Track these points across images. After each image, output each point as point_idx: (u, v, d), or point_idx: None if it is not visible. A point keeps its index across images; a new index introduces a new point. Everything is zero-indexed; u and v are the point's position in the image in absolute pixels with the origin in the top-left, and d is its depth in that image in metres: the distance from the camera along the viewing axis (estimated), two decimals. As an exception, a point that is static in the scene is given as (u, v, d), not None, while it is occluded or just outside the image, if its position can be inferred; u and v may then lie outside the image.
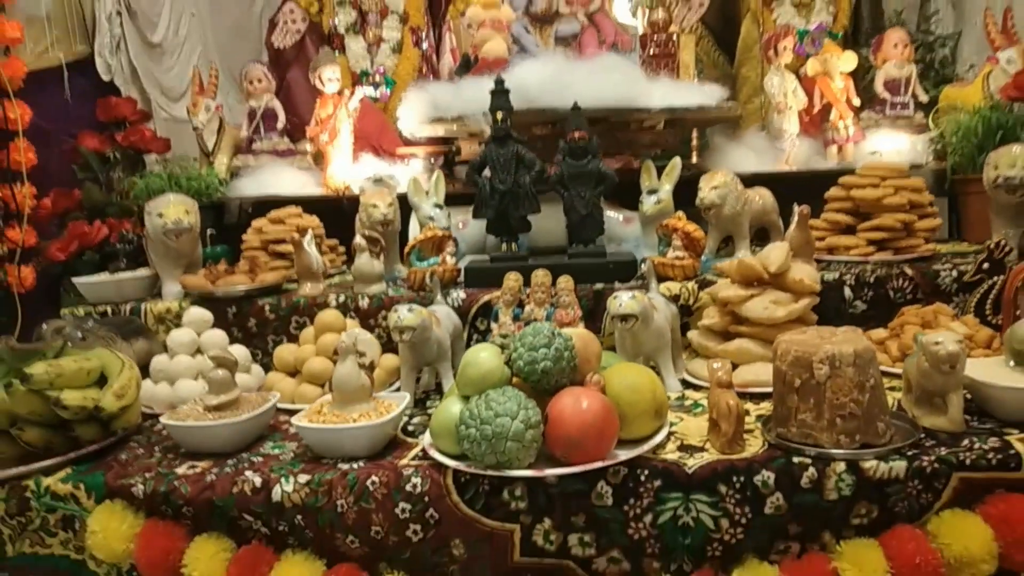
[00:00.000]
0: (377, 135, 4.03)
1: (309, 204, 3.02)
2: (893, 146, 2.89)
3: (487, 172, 2.49)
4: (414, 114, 2.94)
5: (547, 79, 2.53)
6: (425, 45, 4.65)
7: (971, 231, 2.87)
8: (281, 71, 4.92)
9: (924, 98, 3.33)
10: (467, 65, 3.16)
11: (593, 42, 3.22)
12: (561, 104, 2.50)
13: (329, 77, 3.22)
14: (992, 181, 2.29)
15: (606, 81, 2.65)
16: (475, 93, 2.72)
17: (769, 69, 3.03)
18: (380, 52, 4.53)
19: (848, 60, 3.12)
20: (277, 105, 3.58)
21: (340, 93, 3.25)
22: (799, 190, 2.86)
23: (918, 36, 4.33)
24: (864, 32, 4.51)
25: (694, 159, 3.31)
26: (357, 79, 4.53)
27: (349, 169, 3.23)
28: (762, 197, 2.61)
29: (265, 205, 3.07)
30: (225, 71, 4.69)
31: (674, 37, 4.54)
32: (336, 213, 3.06)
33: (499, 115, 2.44)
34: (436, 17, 4.89)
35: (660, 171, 2.65)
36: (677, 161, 2.61)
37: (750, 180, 2.72)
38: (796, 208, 2.30)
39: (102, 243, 3.13)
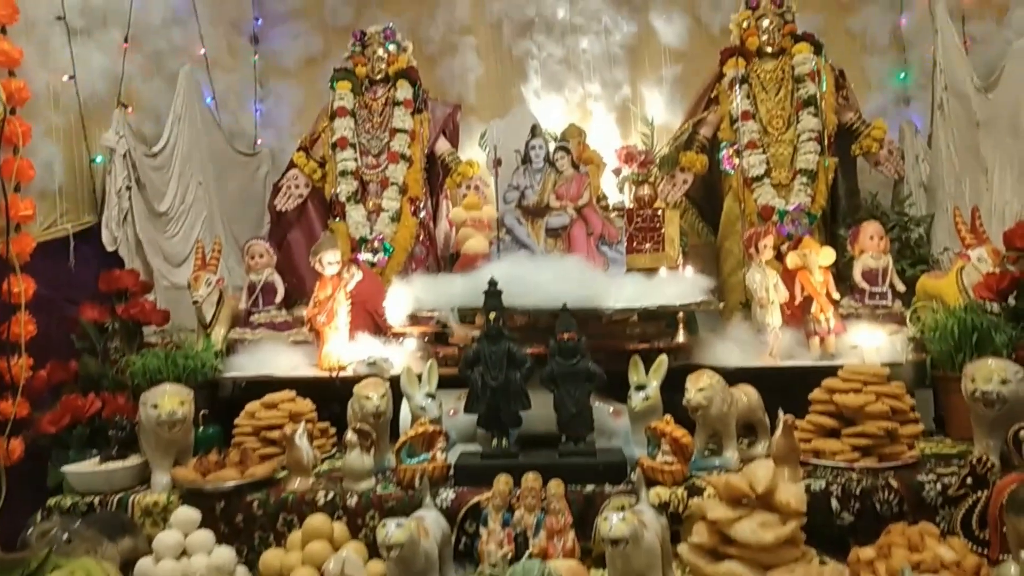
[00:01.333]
0: (374, 300, 4.12)
1: (303, 386, 3.06)
2: (873, 342, 2.98)
3: (479, 368, 2.55)
4: (398, 306, 3.04)
5: (515, 279, 2.65)
6: (423, 214, 4.83)
7: (954, 427, 2.93)
8: (282, 232, 5.10)
9: (901, 288, 3.46)
10: (453, 259, 3.32)
11: (582, 234, 3.39)
12: (532, 302, 2.60)
13: (330, 261, 3.35)
14: (970, 394, 2.36)
15: (572, 281, 2.77)
16: (448, 289, 2.84)
17: (751, 265, 3.17)
18: (379, 220, 4.69)
19: (827, 255, 3.27)
20: (276, 279, 3.69)
21: (339, 275, 3.36)
22: (784, 385, 2.95)
23: (893, 217, 4.55)
24: (841, 211, 4.74)
25: (680, 337, 3.38)
26: (356, 245, 4.69)
27: (345, 348, 3.29)
28: (748, 395, 2.67)
29: (259, 386, 3.11)
30: (228, 233, 4.87)
31: (659, 212, 4.76)
32: (329, 390, 3.10)
33: (491, 315, 2.53)
34: (434, 186, 5.11)
35: (648, 366, 2.72)
36: (664, 359, 2.68)
37: (735, 375, 2.79)
38: (781, 416, 2.36)
39: (94, 417, 3.15)
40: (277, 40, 5.75)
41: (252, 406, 2.89)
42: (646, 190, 4.84)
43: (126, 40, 4.20)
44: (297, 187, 4.97)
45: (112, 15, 4.15)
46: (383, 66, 4.91)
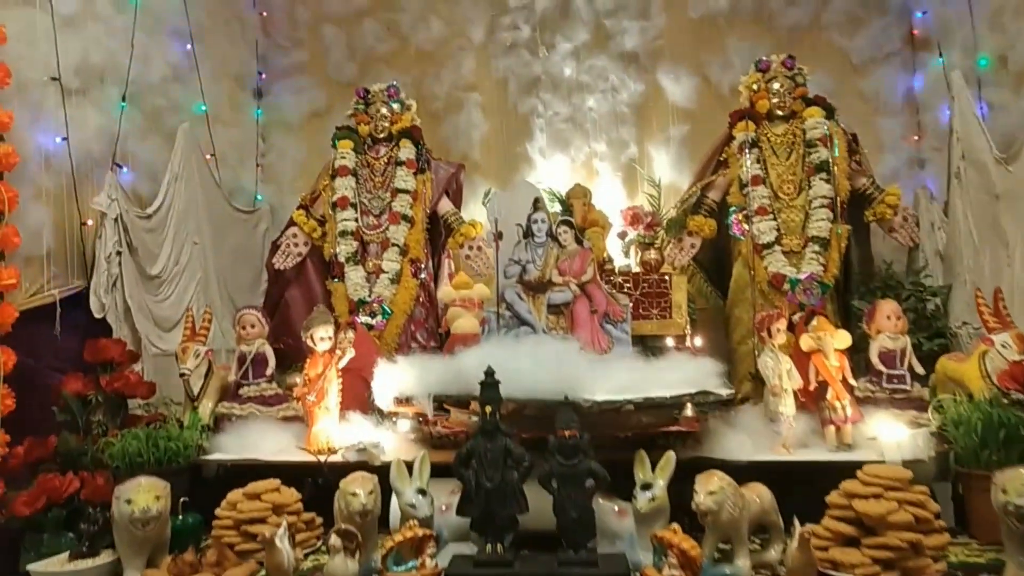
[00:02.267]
0: (370, 367, 3.98)
1: (289, 471, 2.90)
2: (894, 437, 2.81)
3: (474, 466, 2.39)
4: (384, 388, 2.91)
5: (493, 365, 2.51)
6: (424, 275, 4.71)
7: (979, 527, 2.74)
8: (280, 290, 4.98)
9: (921, 371, 3.30)
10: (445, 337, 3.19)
11: (585, 311, 3.25)
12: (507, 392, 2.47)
13: (321, 336, 3.21)
14: (1002, 506, 2.19)
15: (551, 369, 2.63)
16: (427, 374, 2.72)
17: (763, 349, 3.02)
18: (379, 282, 4.57)
19: (842, 339, 3.11)
20: (268, 350, 3.56)
21: (332, 352, 3.22)
22: (798, 480, 2.78)
23: (908, 287, 4.40)
24: (854, 280, 4.59)
25: (689, 411, 3.20)
26: (355, 307, 4.56)
27: (335, 429, 3.14)
28: (760, 497, 2.50)
29: (244, 469, 2.95)
30: (223, 294, 4.75)
31: (666, 278, 4.62)
32: (315, 475, 2.94)
33: (487, 408, 2.38)
34: (436, 246, 4.99)
35: (655, 463, 2.56)
36: (671, 457, 2.52)
37: (747, 470, 2.63)
38: (797, 528, 2.19)
39: (72, 498, 3.00)
40: (280, 94, 5.72)
41: (234, 496, 2.73)
42: (653, 254, 4.72)
43: (124, 98, 4.13)
44: (296, 245, 4.87)
45: (110, 73, 4.09)
46: (386, 124, 4.83)
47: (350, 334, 4.17)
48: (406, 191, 4.69)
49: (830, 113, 4.55)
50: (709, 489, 2.37)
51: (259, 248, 5.19)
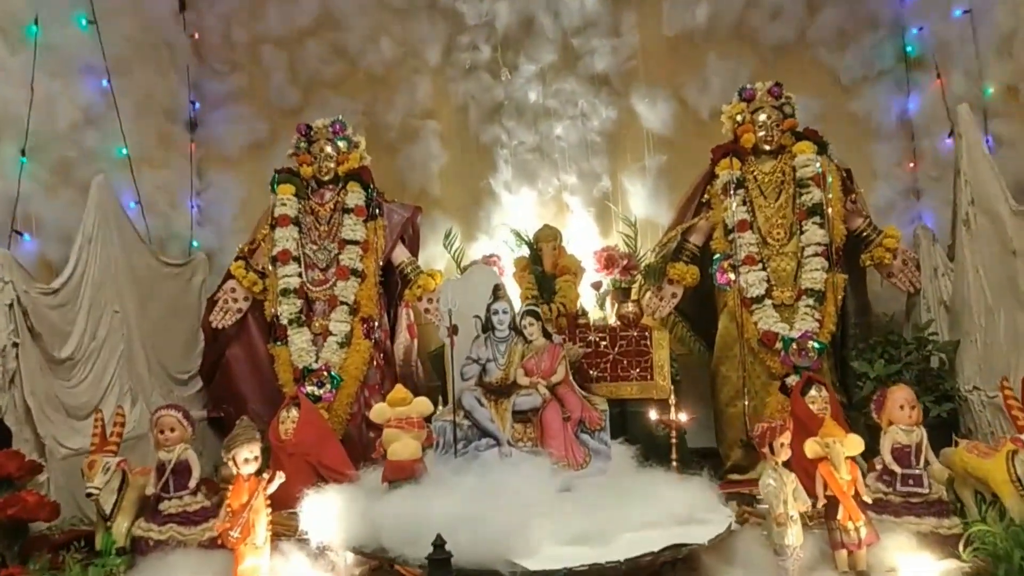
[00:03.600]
0: (318, 449, 3.53)
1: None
2: (915, 570, 2.41)
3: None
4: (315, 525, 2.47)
5: (401, 520, 2.10)
6: (378, 334, 4.24)
7: None
8: (219, 351, 4.49)
9: (938, 466, 2.90)
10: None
11: (556, 418, 2.78)
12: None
13: (246, 458, 2.72)
14: None
15: (474, 521, 2.20)
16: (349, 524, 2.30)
17: (765, 470, 2.59)
18: (326, 346, 4.10)
19: (854, 444, 2.69)
20: (191, 457, 3.07)
21: (259, 474, 2.74)
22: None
23: (911, 343, 4.01)
24: (851, 333, 4.18)
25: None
26: (300, 375, 4.08)
27: (265, 569, 2.67)
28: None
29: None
30: (153, 363, 4.23)
31: (647, 334, 4.19)
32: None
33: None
34: (392, 297, 4.52)
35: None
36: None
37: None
38: None
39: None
40: (217, 125, 5.18)
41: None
42: (631, 307, 4.32)
43: (23, 153, 3.59)
44: (235, 301, 4.39)
45: (6, 126, 3.55)
46: (331, 165, 4.34)
47: (292, 413, 3.73)
48: (355, 242, 4.23)
49: (822, 148, 4.13)
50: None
51: (196, 303, 4.68)
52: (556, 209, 4.94)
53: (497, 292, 2.87)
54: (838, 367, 4.07)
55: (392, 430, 2.64)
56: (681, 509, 2.43)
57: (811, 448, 2.70)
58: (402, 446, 2.57)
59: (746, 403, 3.97)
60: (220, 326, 4.39)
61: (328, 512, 2.48)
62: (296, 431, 3.59)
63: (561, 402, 2.80)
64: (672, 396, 3.83)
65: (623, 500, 2.44)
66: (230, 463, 2.72)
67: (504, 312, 2.86)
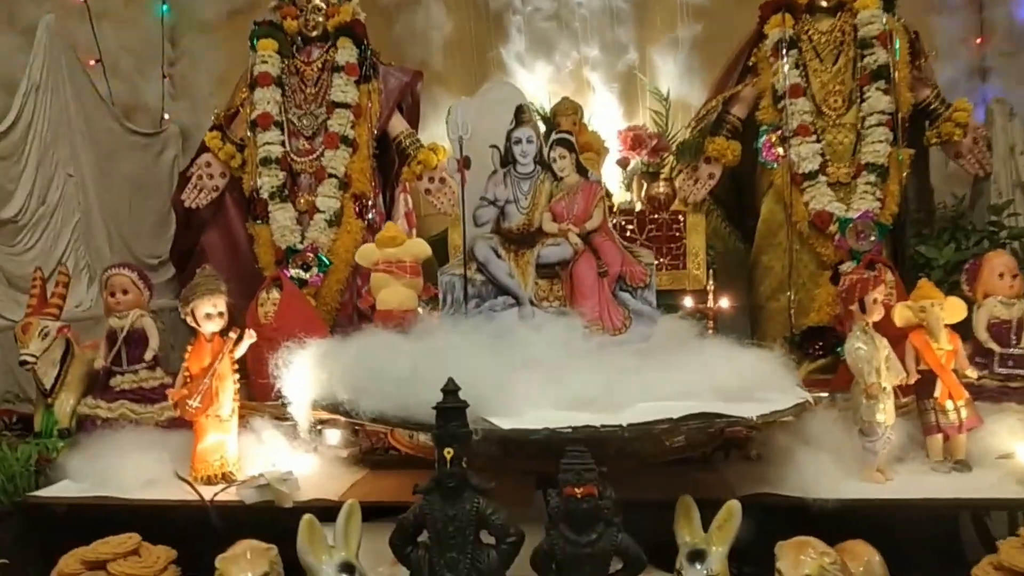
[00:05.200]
0: (303, 334, 3.04)
1: (160, 517, 1.98)
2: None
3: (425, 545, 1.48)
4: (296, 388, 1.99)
5: (375, 370, 1.64)
6: (372, 215, 3.73)
7: None
8: (193, 237, 3.97)
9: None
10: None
11: (590, 274, 2.23)
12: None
13: (208, 313, 2.21)
14: None
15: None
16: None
17: (853, 332, 2.08)
18: (313, 224, 3.60)
19: (955, 309, 2.20)
20: (148, 325, 2.58)
21: (223, 334, 2.24)
22: (903, 524, 1.92)
23: (981, 231, 3.51)
24: (910, 219, 3.68)
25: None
26: (283, 257, 3.58)
27: (232, 447, 2.19)
28: (868, 566, 1.63)
29: (93, 514, 2.02)
30: (117, 242, 3.73)
31: (679, 217, 3.70)
32: (202, 523, 2.00)
33: (448, 452, 1.45)
34: (388, 177, 4.00)
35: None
36: (735, 508, 1.63)
37: (840, 517, 1.75)
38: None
39: None
40: (193, -15, 4.56)
41: (68, 564, 1.80)
42: (662, 188, 3.80)
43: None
44: (211, 177, 3.84)
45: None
46: (320, 19, 3.76)
47: (273, 294, 3.25)
48: (346, 105, 3.68)
49: (888, 4, 3.55)
50: (804, 571, 1.50)
51: (167, 181, 4.16)
52: (575, 86, 4.38)
53: (520, 116, 2.30)
54: (893, 260, 3.58)
55: (380, 275, 2.17)
56: (732, 381, 1.92)
57: (901, 314, 2.21)
58: (391, 294, 2.10)
59: (791, 295, 3.50)
60: (193, 206, 3.85)
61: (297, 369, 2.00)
62: (277, 314, 3.14)
63: (596, 253, 2.27)
64: (710, 282, 3.40)
65: (655, 365, 1.95)
66: (188, 318, 2.21)
67: (529, 141, 2.29)
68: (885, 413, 2.01)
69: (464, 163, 2.23)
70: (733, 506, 1.64)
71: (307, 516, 1.66)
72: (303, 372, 2.02)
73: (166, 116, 4.37)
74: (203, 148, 3.85)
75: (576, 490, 1.45)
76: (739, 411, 1.82)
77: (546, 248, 2.27)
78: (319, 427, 2.28)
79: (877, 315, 2.09)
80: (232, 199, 3.92)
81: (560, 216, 2.28)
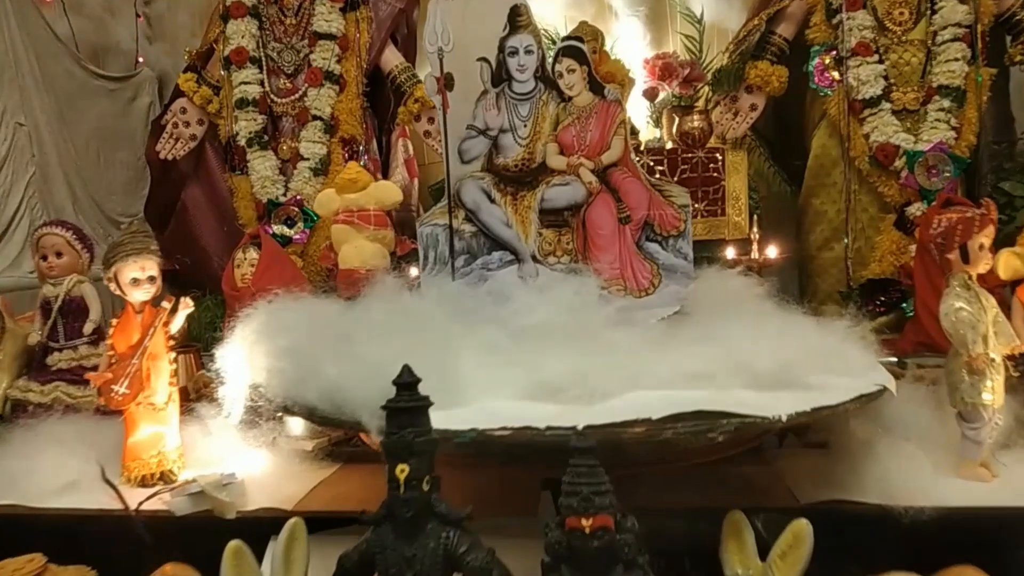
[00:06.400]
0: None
1: (78, 529, 1.60)
2: None
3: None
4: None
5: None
6: (364, 161, 3.30)
7: None
8: (170, 191, 3.58)
9: None
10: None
11: (610, 221, 1.75)
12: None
13: (135, 278, 1.79)
14: None
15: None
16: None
17: (951, 288, 1.60)
18: (297, 174, 3.20)
19: (1075, 256, 1.73)
20: (87, 292, 2.18)
21: (155, 304, 1.83)
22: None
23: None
24: (986, 152, 3.16)
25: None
26: (264, 211, 3.18)
27: (173, 440, 1.80)
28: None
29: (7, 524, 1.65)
30: (84, 199, 3.35)
31: (717, 156, 3.22)
32: (126, 537, 1.62)
33: (401, 470, 1.04)
34: (382, 119, 3.56)
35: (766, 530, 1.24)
36: (804, 530, 1.20)
37: (940, 528, 1.32)
38: None
39: None
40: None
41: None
42: (696, 122, 3.30)
43: None
44: (187, 125, 3.45)
45: None
46: (300, -62, 3.31)
47: (251, 254, 2.84)
48: (330, 36, 3.25)
49: None
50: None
51: (141, 130, 3.76)
52: (595, 10, 3.86)
53: (517, 19, 1.79)
54: (970, 199, 3.07)
55: (341, 226, 1.74)
56: (769, 365, 1.42)
57: (1007, 263, 1.73)
58: (353, 249, 1.68)
59: (848, 243, 3.03)
60: (170, 157, 3.46)
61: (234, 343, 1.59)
62: (255, 275, 2.72)
63: (616, 194, 1.79)
64: (753, 230, 2.93)
65: (670, 343, 1.49)
66: (112, 285, 1.80)
67: (528, 51, 1.78)
68: (994, 392, 1.55)
69: (445, 82, 1.77)
70: (801, 529, 1.21)
71: (232, 544, 1.25)
72: (238, 346, 1.60)
73: (140, 60, 3.93)
74: (178, 92, 3.46)
75: (583, 522, 1.02)
76: (762, 407, 1.28)
77: (552, 188, 1.79)
78: (278, 414, 1.88)
79: (984, 265, 1.61)
80: (212, 149, 3.54)
81: (569, 147, 1.79)
